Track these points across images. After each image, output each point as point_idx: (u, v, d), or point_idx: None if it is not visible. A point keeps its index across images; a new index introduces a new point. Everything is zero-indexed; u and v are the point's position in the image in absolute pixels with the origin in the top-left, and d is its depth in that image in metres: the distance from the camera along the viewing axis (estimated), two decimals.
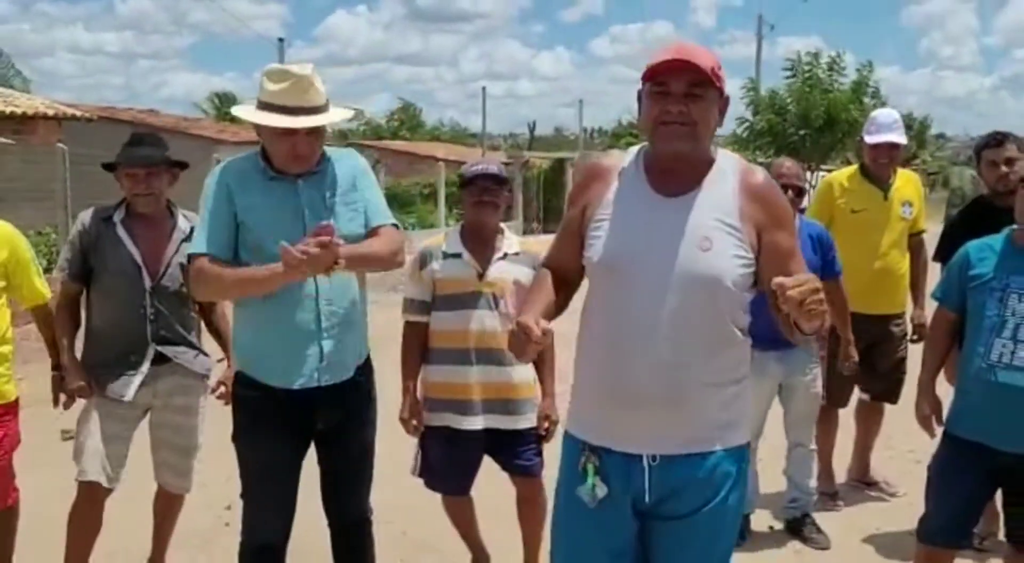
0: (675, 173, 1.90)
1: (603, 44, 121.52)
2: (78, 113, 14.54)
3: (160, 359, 3.01)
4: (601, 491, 1.93)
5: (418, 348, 3.12)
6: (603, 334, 1.95)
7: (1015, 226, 2.70)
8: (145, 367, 2.98)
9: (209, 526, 3.78)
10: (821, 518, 3.84)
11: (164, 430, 3.11)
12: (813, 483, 3.84)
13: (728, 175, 1.92)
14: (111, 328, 3.01)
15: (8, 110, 13.26)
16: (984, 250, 2.75)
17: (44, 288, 3.11)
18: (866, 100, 17.08)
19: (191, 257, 2.50)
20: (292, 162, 2.47)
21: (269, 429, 2.53)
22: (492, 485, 3.26)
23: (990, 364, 2.64)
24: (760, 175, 1.96)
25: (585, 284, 2.07)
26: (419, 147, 29.44)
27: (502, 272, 3.03)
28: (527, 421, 3.07)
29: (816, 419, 3.80)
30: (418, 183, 22.79)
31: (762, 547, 3.69)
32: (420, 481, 3.22)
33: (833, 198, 4.15)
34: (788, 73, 15.03)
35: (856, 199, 4.08)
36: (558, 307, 2.05)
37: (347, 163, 2.61)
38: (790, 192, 3.39)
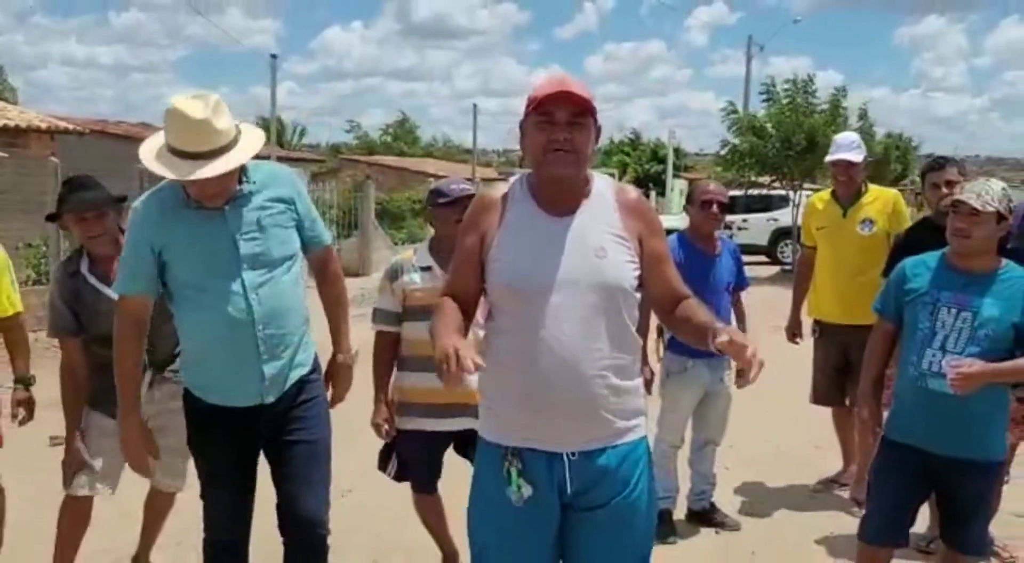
0: (561, 195, 2.08)
1: (597, 62, 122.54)
2: (71, 127, 14.70)
3: (157, 377, 3.09)
4: (527, 491, 2.06)
5: (389, 356, 3.27)
6: (515, 349, 2.06)
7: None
8: (143, 389, 2.96)
9: (195, 525, 3.91)
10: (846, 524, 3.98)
11: (159, 432, 3.12)
12: (715, 473, 4.12)
13: (605, 193, 2.11)
14: (109, 364, 2.94)
15: (1, 123, 13.44)
16: (919, 266, 2.94)
17: (16, 300, 3.20)
18: (852, 122, 17.34)
19: (119, 296, 2.55)
20: (210, 199, 2.45)
21: (217, 438, 2.61)
22: (462, 485, 3.41)
23: (921, 372, 2.81)
24: (631, 192, 2.18)
25: None
26: (411, 163, 29.67)
27: None
28: None
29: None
30: (409, 198, 22.97)
31: (686, 536, 3.94)
32: (395, 485, 3.37)
33: (808, 216, 4.57)
34: (764, 97, 15.31)
35: (820, 217, 4.44)
36: (464, 333, 2.09)
37: (278, 180, 2.58)
38: (715, 207, 3.81)
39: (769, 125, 15.00)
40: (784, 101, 14.81)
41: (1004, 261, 2.85)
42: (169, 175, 2.35)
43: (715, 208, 3.80)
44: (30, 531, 3.24)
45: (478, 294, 2.17)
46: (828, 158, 4.33)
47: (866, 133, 19.21)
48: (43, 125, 13.98)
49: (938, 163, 3.74)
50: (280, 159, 20.47)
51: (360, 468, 3.46)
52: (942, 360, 2.76)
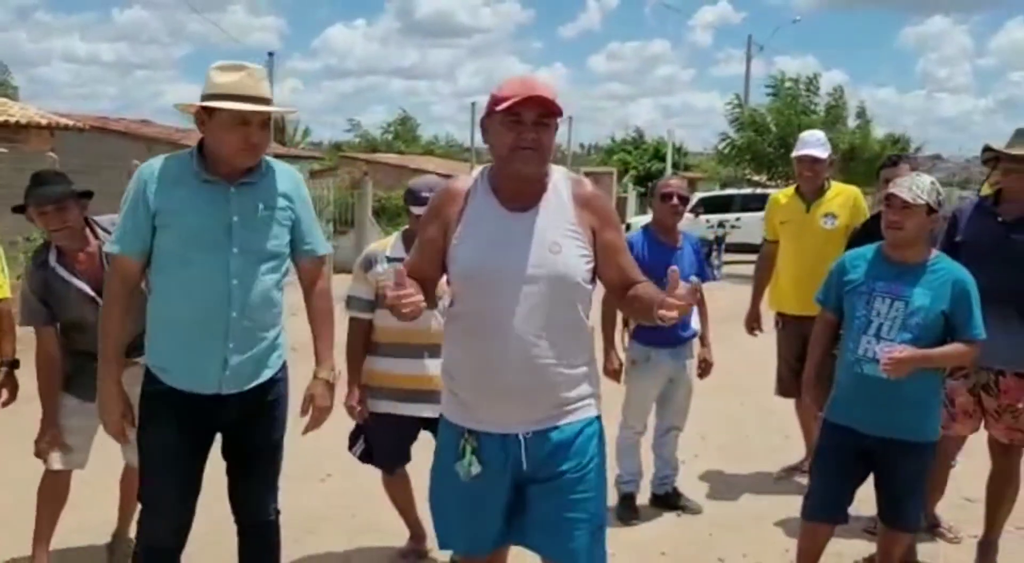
0: (521, 191, 2.19)
1: (600, 61, 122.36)
2: (71, 123, 14.88)
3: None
4: (475, 469, 2.20)
5: (362, 342, 3.44)
6: (471, 335, 2.21)
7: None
8: None
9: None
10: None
11: (131, 412, 3.37)
12: (679, 458, 4.28)
13: (561, 188, 2.22)
14: (83, 350, 3.05)
15: (2, 119, 13.63)
16: (858, 259, 3.10)
17: (5, 286, 3.34)
18: (852, 121, 17.46)
19: (108, 254, 2.55)
20: (244, 154, 2.44)
21: (169, 424, 2.51)
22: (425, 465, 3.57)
23: (857, 358, 2.98)
24: (587, 185, 2.27)
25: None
26: (411, 160, 29.80)
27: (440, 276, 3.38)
28: None
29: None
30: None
31: (648, 519, 4.09)
32: (373, 470, 3.54)
33: (771, 211, 4.71)
34: (770, 91, 15.44)
35: (784, 211, 4.59)
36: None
37: (285, 176, 2.60)
38: (675, 200, 3.96)
39: (769, 118, 15.13)
40: (786, 98, 14.95)
41: (935, 253, 3.01)
42: (240, 108, 2.38)
43: (675, 200, 3.96)
44: (29, 510, 3.36)
45: (434, 279, 2.30)
46: (794, 154, 4.49)
47: (864, 132, 19.38)
48: (43, 121, 14.15)
49: (892, 160, 3.92)
50: (278, 156, 20.61)
51: (340, 454, 3.61)
52: (876, 346, 2.93)
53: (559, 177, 2.25)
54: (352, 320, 3.47)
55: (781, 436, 5.26)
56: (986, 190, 3.48)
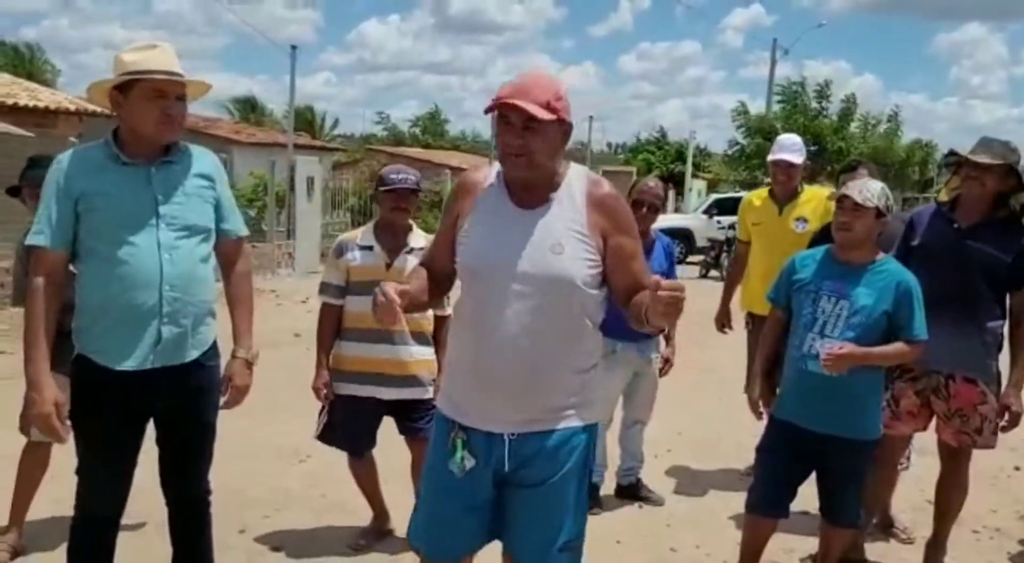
0: (530, 189, 2.15)
1: (630, 61, 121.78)
2: (99, 109, 15.19)
3: None
4: (469, 462, 2.18)
5: (332, 327, 3.55)
6: (471, 328, 2.19)
7: None
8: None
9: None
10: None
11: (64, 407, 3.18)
12: (643, 451, 4.36)
13: (575, 188, 2.16)
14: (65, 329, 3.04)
15: (32, 104, 13.97)
16: (807, 259, 3.17)
17: None
18: (882, 126, 17.28)
19: (32, 247, 2.48)
20: (163, 127, 2.48)
21: (106, 410, 2.53)
22: (392, 449, 3.70)
23: (802, 355, 3.04)
24: (604, 187, 2.20)
25: None
26: (435, 155, 29.98)
27: (408, 264, 3.47)
28: (425, 393, 3.50)
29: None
30: (430, 190, 23.31)
31: (610, 509, 4.19)
32: (340, 453, 3.65)
33: (744, 212, 4.76)
34: (780, 97, 15.40)
35: (757, 214, 4.65)
36: (428, 300, 2.30)
37: (205, 158, 2.67)
38: (646, 208, 3.96)
39: (779, 125, 15.14)
40: (795, 103, 14.94)
41: (881, 255, 3.07)
42: (158, 66, 2.43)
43: (644, 210, 3.93)
44: (6, 481, 3.50)
45: (450, 269, 2.28)
46: (769, 157, 4.55)
47: (890, 137, 19.21)
48: (72, 107, 14.48)
49: (851, 165, 3.97)
50: (300, 147, 20.90)
51: (311, 438, 3.71)
52: (819, 343, 2.99)
53: (576, 176, 2.19)
54: (324, 305, 3.58)
55: (755, 434, 5.29)
56: (944, 196, 3.52)
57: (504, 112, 2.06)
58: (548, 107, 2.05)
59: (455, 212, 2.24)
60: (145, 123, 2.48)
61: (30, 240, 2.48)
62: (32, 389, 2.44)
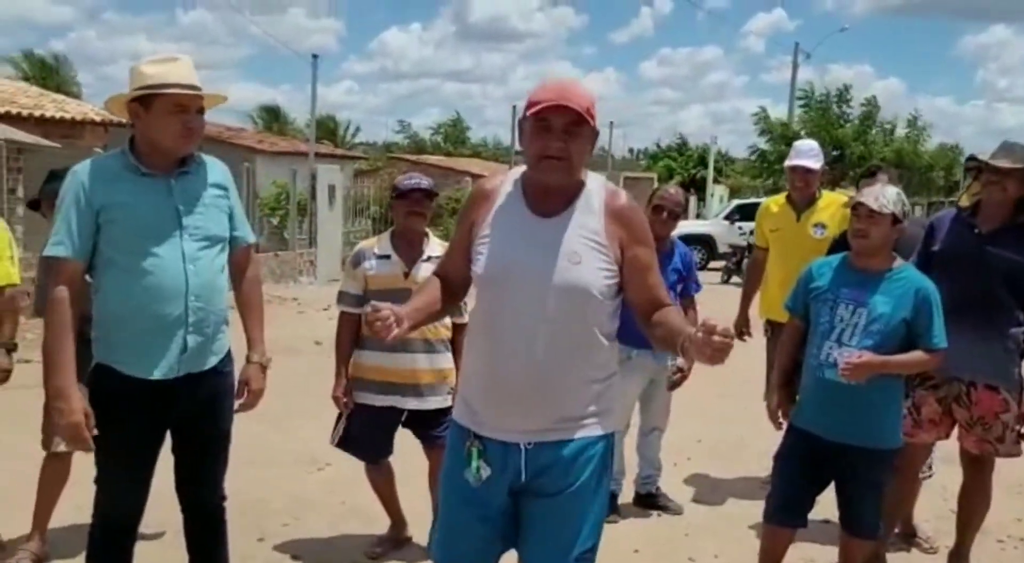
0: (549, 197, 2.13)
1: (651, 66, 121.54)
2: (124, 120, 15.39)
3: None
4: (485, 472, 2.16)
5: (350, 336, 3.57)
6: (486, 336, 2.18)
7: None
8: None
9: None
10: None
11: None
12: (661, 458, 4.33)
13: (594, 198, 2.14)
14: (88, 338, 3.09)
15: (59, 115, 14.20)
16: (824, 267, 3.15)
17: (13, 273, 3.46)
18: (904, 131, 17.10)
19: (52, 258, 2.47)
20: (184, 140, 2.51)
21: (129, 419, 2.54)
22: (410, 456, 3.71)
23: (820, 363, 3.02)
24: (622, 198, 2.19)
25: None
26: (456, 162, 30.07)
27: (426, 272, 3.49)
28: (444, 402, 3.50)
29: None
30: (449, 197, 23.41)
31: (628, 518, 4.17)
32: (359, 460, 3.66)
33: (762, 219, 4.74)
34: (801, 102, 15.32)
35: (775, 220, 4.63)
36: (441, 309, 2.28)
37: (216, 168, 2.70)
38: (666, 214, 3.97)
39: (802, 131, 15.06)
40: (815, 110, 14.86)
41: (899, 261, 3.05)
42: (182, 80, 2.45)
43: (664, 215, 3.98)
44: (30, 486, 3.54)
45: (466, 276, 2.26)
46: (787, 163, 4.53)
47: (913, 142, 19.02)
48: (97, 118, 14.70)
49: (870, 171, 3.94)
50: (322, 155, 21.06)
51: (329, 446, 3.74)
52: (837, 352, 2.97)
53: (595, 186, 2.18)
54: (342, 314, 3.60)
55: (776, 441, 5.25)
56: (964, 202, 3.48)
57: (547, 116, 2.04)
58: (588, 113, 2.06)
59: (471, 219, 2.23)
60: (166, 136, 2.50)
61: (50, 251, 2.47)
62: (59, 399, 2.43)
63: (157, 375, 2.53)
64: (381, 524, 3.81)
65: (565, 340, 2.10)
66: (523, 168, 2.22)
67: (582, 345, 2.13)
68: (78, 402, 2.44)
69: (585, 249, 2.09)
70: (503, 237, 2.15)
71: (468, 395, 2.26)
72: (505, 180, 2.24)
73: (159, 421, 2.63)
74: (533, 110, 2.05)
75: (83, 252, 2.48)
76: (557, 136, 2.04)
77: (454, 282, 2.29)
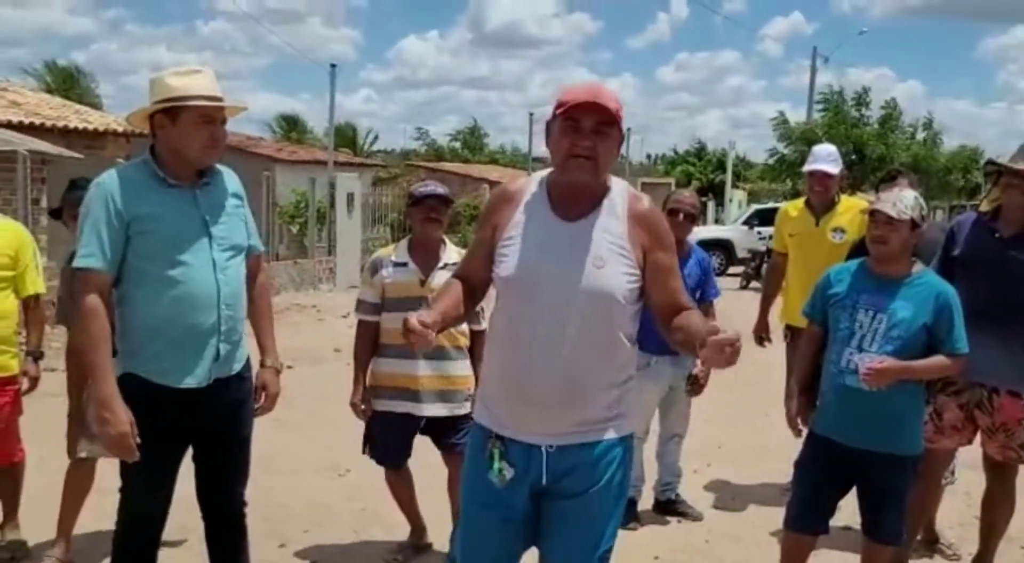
0: (574, 200, 2.14)
1: (668, 72, 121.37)
2: (146, 131, 15.54)
3: None
4: (508, 473, 2.17)
5: (369, 344, 3.59)
6: (509, 340, 2.18)
7: None
8: None
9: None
10: None
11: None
12: (681, 464, 4.32)
13: (618, 202, 2.15)
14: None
15: (82, 126, 14.37)
16: (842, 273, 3.13)
17: (39, 282, 3.53)
18: (920, 133, 16.97)
19: (84, 269, 2.45)
20: (210, 151, 2.55)
21: (159, 428, 2.53)
22: (430, 463, 3.72)
23: (840, 370, 3.00)
24: (645, 202, 2.20)
25: None
26: (474, 169, 30.17)
27: (442, 279, 3.50)
28: (462, 409, 3.52)
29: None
30: (467, 204, 23.48)
31: (648, 524, 4.16)
32: (380, 467, 3.67)
33: (781, 223, 4.72)
34: (820, 106, 15.26)
35: (794, 224, 4.61)
36: (464, 312, 2.28)
37: (232, 178, 2.73)
38: (682, 216, 3.98)
39: (822, 134, 14.99)
40: (833, 113, 14.80)
41: (919, 266, 3.03)
42: (209, 92, 2.50)
43: (680, 218, 3.99)
44: (56, 492, 3.58)
45: (486, 280, 2.27)
46: (805, 168, 4.52)
47: (928, 145, 18.87)
48: (120, 128, 14.84)
49: (890, 175, 3.92)
50: (341, 163, 21.17)
51: (358, 451, 3.76)
52: (857, 358, 2.95)
53: (618, 190, 2.19)
54: (360, 322, 3.63)
55: (796, 448, 5.23)
56: (985, 206, 3.45)
57: (577, 114, 2.05)
58: (617, 115, 2.08)
59: (493, 222, 2.22)
60: (193, 147, 2.53)
61: (81, 262, 2.45)
62: (105, 409, 2.42)
63: (191, 383, 2.56)
64: (401, 531, 3.82)
65: (589, 343, 2.11)
66: (548, 171, 2.23)
67: (605, 348, 2.14)
68: (124, 412, 2.44)
69: (609, 253, 2.10)
70: (528, 240, 2.15)
71: (489, 398, 2.26)
72: (529, 182, 2.24)
73: (185, 430, 2.64)
74: (563, 109, 2.05)
75: (114, 264, 2.49)
76: (586, 135, 2.05)
77: (474, 284, 2.29)
